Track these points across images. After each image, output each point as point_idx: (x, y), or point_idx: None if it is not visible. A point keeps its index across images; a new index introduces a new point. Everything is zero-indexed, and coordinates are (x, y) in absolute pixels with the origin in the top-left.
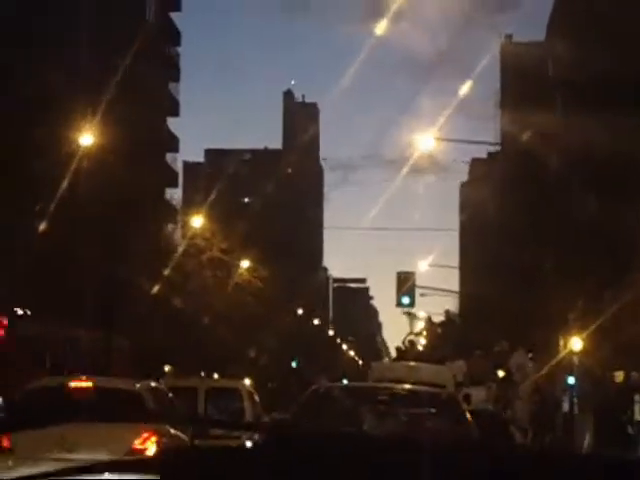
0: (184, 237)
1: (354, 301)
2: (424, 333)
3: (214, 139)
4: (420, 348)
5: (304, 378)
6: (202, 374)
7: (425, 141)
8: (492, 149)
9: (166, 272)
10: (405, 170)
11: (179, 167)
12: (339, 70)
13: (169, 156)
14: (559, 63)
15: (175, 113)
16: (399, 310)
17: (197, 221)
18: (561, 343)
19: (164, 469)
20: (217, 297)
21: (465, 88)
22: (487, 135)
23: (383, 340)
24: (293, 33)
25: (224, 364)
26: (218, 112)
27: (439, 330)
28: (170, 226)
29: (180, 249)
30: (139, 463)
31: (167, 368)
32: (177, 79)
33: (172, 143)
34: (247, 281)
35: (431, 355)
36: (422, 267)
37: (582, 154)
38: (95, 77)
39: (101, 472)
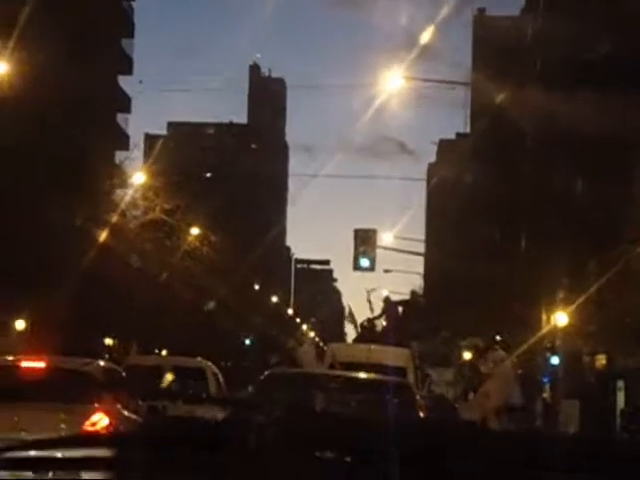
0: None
1: (317, 283)
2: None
3: (177, 112)
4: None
5: (262, 358)
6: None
7: (393, 79)
8: (461, 130)
9: (102, 237)
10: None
11: (130, 129)
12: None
13: (120, 117)
14: (540, 38)
15: (128, 71)
16: (364, 292)
17: (139, 177)
18: (543, 318)
19: (118, 444)
20: (158, 264)
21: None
22: (459, 117)
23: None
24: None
25: (171, 340)
26: (182, 84)
27: (400, 310)
28: (120, 191)
29: (120, 211)
30: (91, 439)
31: (109, 341)
32: (131, 35)
33: (124, 103)
34: (195, 249)
35: (392, 336)
36: (387, 239)
37: (562, 129)
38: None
39: (50, 448)
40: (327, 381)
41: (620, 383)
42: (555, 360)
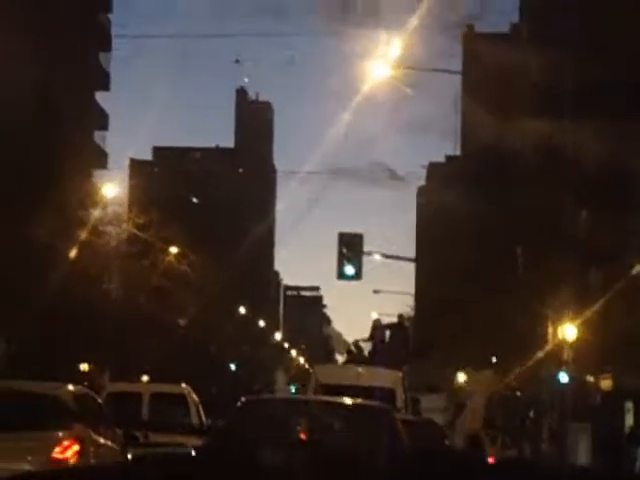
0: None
1: (307, 309)
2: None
3: (163, 137)
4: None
5: (246, 384)
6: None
7: (381, 68)
8: (450, 152)
9: (72, 254)
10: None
11: (108, 147)
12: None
13: (98, 135)
14: (529, 64)
15: (105, 87)
16: (354, 317)
17: (110, 190)
18: (549, 332)
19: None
20: (134, 284)
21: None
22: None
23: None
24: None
25: (151, 365)
26: (168, 109)
27: (388, 333)
28: (93, 210)
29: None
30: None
31: (85, 367)
32: (108, 49)
33: (101, 120)
34: (174, 269)
35: (380, 359)
36: (376, 259)
37: (555, 152)
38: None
39: None
40: (302, 407)
41: (629, 405)
42: (564, 378)
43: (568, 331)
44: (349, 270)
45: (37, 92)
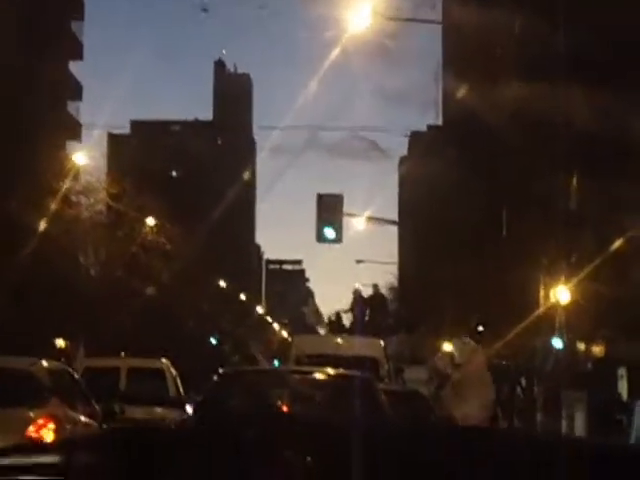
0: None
1: (289, 283)
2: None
3: (141, 110)
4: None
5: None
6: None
7: (360, 19)
8: (431, 122)
9: (43, 223)
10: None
11: (81, 118)
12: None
13: (72, 105)
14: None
15: (78, 56)
16: (337, 290)
17: (81, 159)
18: (541, 295)
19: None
20: (110, 256)
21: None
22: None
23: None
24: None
25: (129, 340)
26: (146, 82)
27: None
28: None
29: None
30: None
31: (60, 343)
32: (81, 17)
33: (75, 90)
34: (151, 241)
35: (362, 330)
36: (359, 225)
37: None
38: None
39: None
40: (282, 378)
41: (622, 371)
42: (558, 343)
43: (561, 294)
44: (329, 233)
45: (8, 59)
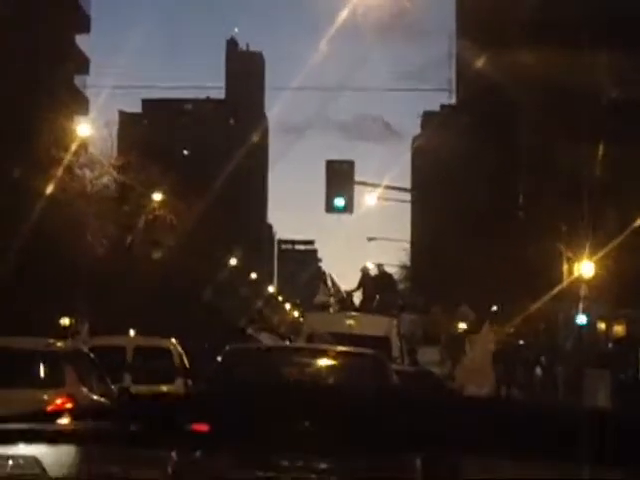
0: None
1: (301, 263)
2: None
3: (152, 89)
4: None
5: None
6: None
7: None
8: (445, 101)
9: (44, 197)
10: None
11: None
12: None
13: (78, 79)
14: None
15: (85, 29)
16: (350, 269)
17: (84, 130)
18: (564, 270)
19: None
20: (116, 230)
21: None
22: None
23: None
24: None
25: (138, 319)
26: (157, 59)
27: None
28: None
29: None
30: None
31: (66, 321)
32: None
33: (82, 64)
34: (159, 216)
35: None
36: (370, 201)
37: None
38: None
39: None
40: (290, 356)
41: None
42: (582, 319)
43: (586, 268)
44: (339, 202)
45: (14, 34)
